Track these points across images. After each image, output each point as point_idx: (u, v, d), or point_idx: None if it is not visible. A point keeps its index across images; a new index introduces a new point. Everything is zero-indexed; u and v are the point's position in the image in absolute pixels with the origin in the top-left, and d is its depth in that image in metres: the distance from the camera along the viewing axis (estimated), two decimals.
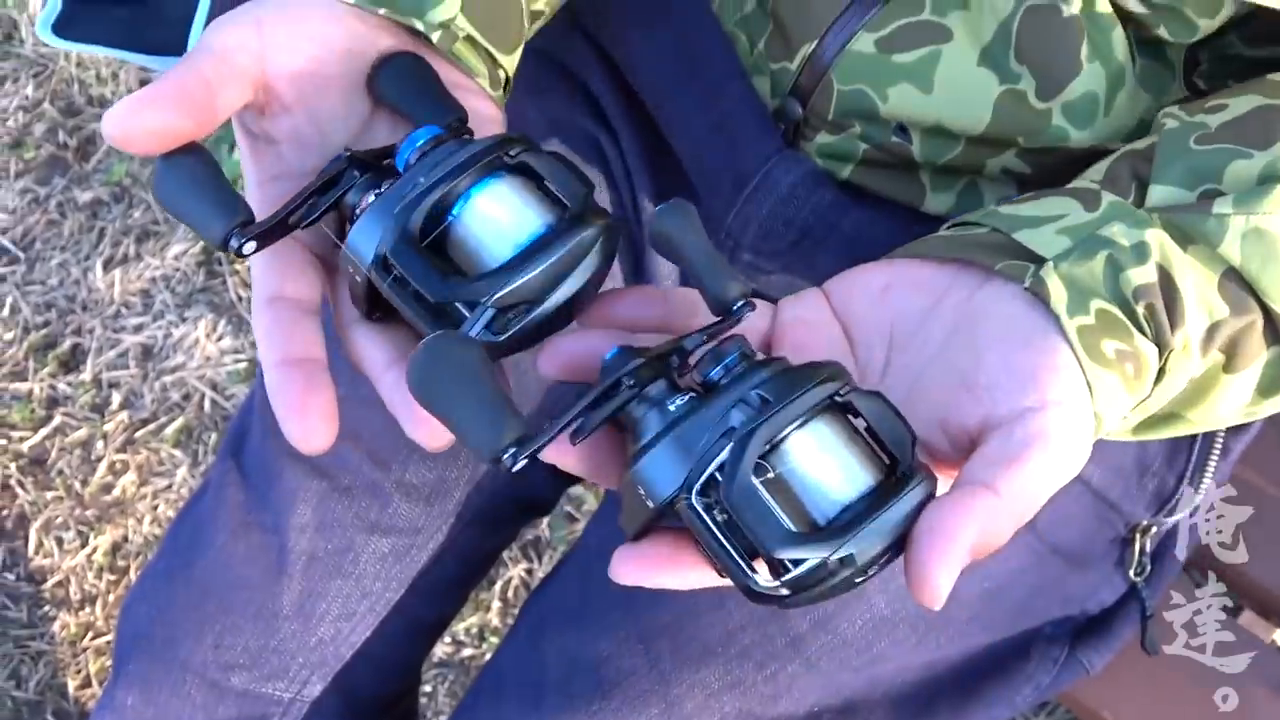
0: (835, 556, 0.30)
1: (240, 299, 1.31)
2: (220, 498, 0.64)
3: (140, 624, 0.64)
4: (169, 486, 1.24)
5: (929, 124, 0.51)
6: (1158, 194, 0.40)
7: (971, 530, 0.32)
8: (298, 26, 0.39)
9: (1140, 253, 0.37)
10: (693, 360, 0.35)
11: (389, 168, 0.38)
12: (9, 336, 1.32)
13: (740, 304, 0.35)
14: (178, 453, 1.25)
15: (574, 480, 0.71)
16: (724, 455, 0.30)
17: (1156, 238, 0.38)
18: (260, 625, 0.62)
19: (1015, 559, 0.55)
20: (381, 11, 0.40)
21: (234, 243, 0.36)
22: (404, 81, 0.41)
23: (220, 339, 1.30)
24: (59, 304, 1.33)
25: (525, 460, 0.32)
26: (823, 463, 0.32)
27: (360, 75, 0.40)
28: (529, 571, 1.18)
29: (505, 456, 0.32)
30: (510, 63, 0.46)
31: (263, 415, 0.65)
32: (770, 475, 0.31)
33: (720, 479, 0.30)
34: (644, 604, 0.56)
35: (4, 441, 1.27)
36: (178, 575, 0.64)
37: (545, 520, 1.18)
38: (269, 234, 0.37)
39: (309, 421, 0.37)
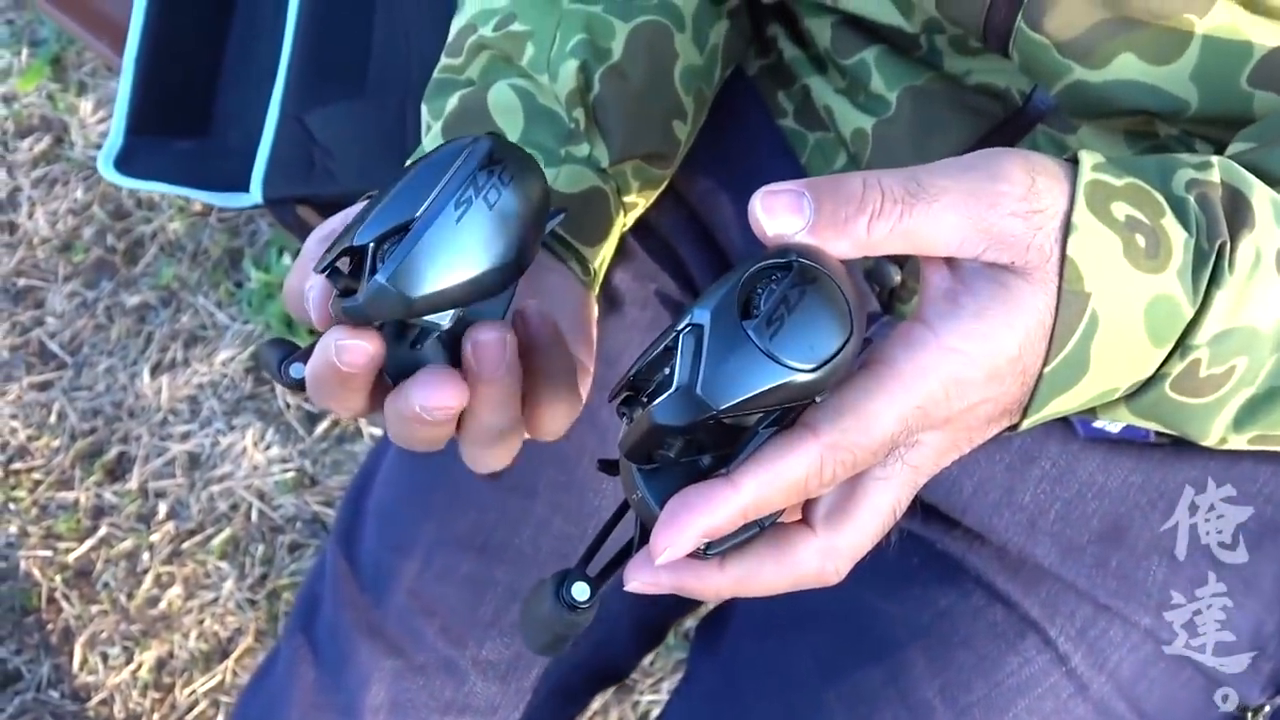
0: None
1: (289, 406, 1.31)
2: (292, 674, 0.64)
3: None
4: (215, 600, 1.24)
5: None
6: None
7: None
8: None
9: (1202, 163, 0.35)
10: None
11: None
12: (56, 444, 1.33)
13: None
14: (224, 565, 1.25)
15: (654, 646, 0.70)
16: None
17: (1221, 161, 0.36)
18: None
19: None
20: None
21: (285, 370, 0.40)
22: None
23: (268, 447, 1.30)
24: (106, 411, 1.34)
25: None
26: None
27: None
28: None
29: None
30: (598, 254, 0.47)
31: (334, 587, 0.65)
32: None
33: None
34: None
35: (50, 553, 1.28)
36: None
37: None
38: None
39: None
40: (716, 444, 0.33)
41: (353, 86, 0.89)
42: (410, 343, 0.38)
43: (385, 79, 0.91)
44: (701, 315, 0.32)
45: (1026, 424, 0.35)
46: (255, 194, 0.85)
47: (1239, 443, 0.37)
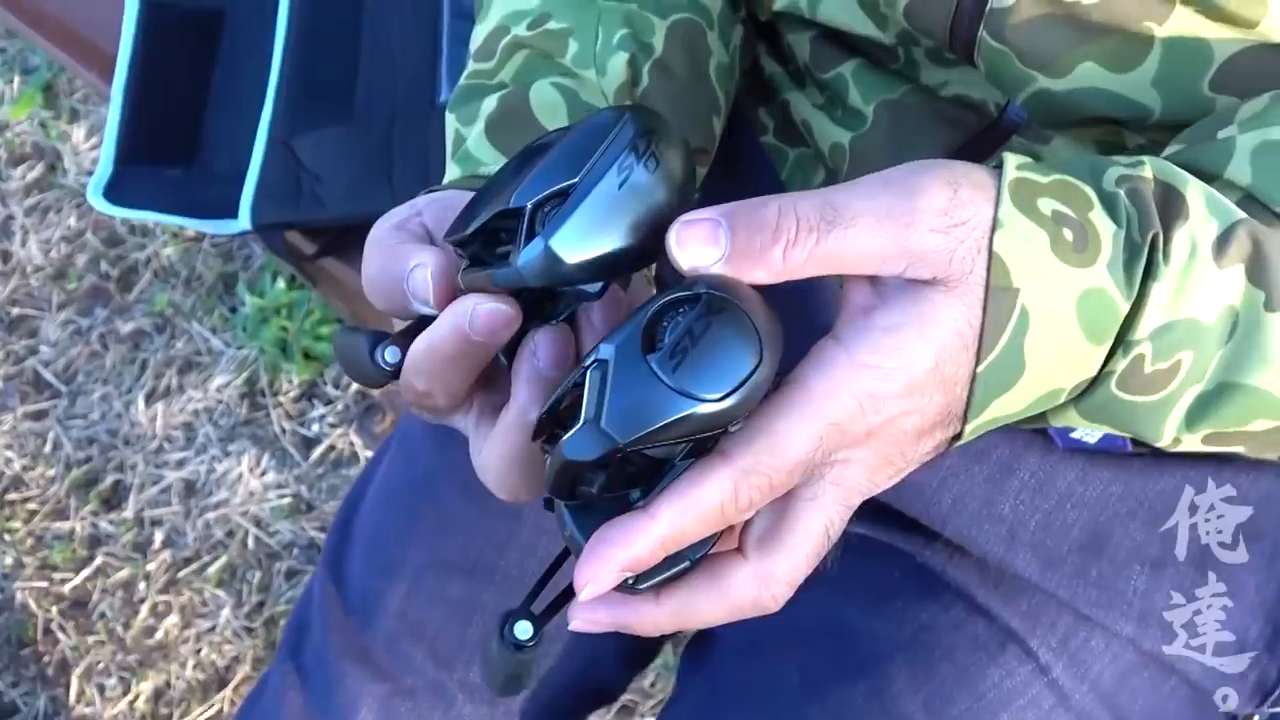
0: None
1: (284, 431, 1.33)
2: (280, 701, 0.65)
3: None
4: (212, 629, 1.25)
5: None
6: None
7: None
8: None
9: (1134, 161, 0.36)
10: None
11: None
12: (50, 474, 1.35)
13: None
14: (221, 593, 1.26)
15: (644, 665, 0.71)
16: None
17: (1153, 159, 0.36)
18: None
19: None
20: None
21: (379, 355, 0.39)
22: None
23: (264, 474, 1.31)
24: (101, 439, 1.36)
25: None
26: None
27: None
28: None
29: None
30: None
31: (323, 612, 0.66)
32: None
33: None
34: None
35: (45, 584, 1.29)
36: None
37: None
38: (413, 336, 0.39)
39: None
40: (645, 478, 0.34)
41: (340, 111, 0.90)
42: (545, 316, 0.38)
43: (372, 103, 0.92)
44: (607, 350, 0.32)
45: (970, 430, 0.35)
46: (244, 220, 0.86)
47: (1193, 443, 0.37)
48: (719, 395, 0.31)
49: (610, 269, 0.36)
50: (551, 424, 0.34)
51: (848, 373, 0.33)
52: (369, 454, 1.30)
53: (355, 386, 1.34)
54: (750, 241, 0.33)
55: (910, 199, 0.33)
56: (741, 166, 0.63)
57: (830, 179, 0.57)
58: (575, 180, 0.35)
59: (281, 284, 1.37)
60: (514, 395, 0.38)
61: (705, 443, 0.33)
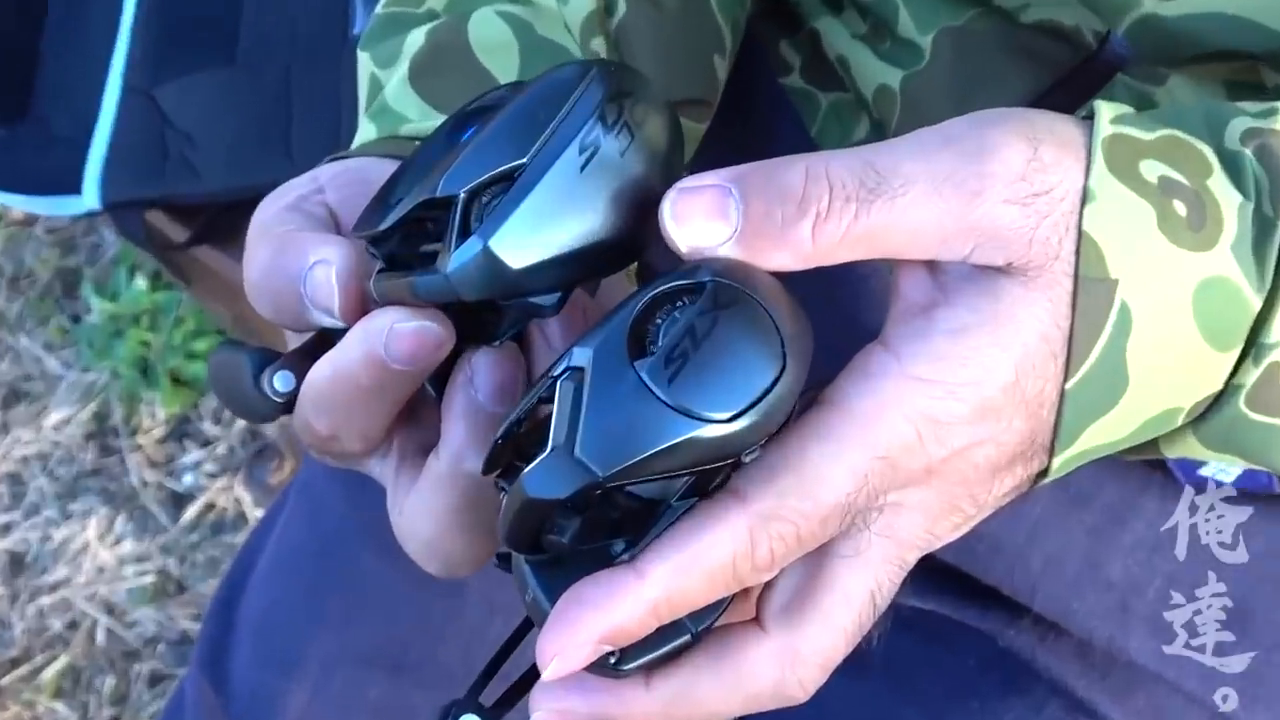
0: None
1: (145, 484, 1.33)
2: None
3: None
4: None
5: None
6: None
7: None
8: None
9: (1266, 110, 0.36)
10: None
11: None
12: None
13: None
14: (60, 706, 1.26)
15: None
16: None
17: None
18: None
19: None
20: None
21: (266, 381, 0.40)
22: None
23: (118, 542, 1.32)
24: None
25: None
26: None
27: None
28: None
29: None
30: None
31: (258, 638, 0.67)
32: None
33: None
34: None
35: None
36: None
37: None
38: (311, 358, 0.40)
39: None
40: (632, 524, 0.34)
41: (218, 50, 0.91)
42: (486, 335, 0.39)
43: (262, 38, 0.93)
44: (582, 356, 0.32)
45: (1060, 464, 0.35)
46: (90, 197, 0.87)
47: None
48: (729, 414, 0.32)
49: (569, 275, 0.36)
50: (509, 452, 0.35)
51: (901, 389, 0.33)
52: (260, 514, 1.30)
53: (242, 422, 1.34)
54: (769, 214, 0.33)
55: (977, 160, 0.34)
56: (756, 119, 0.64)
57: (876, 134, 0.58)
58: (524, 160, 0.35)
59: (142, 283, 1.38)
60: (445, 436, 0.38)
61: (711, 478, 0.33)
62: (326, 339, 0.39)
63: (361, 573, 0.64)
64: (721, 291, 0.33)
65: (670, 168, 0.37)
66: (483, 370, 0.38)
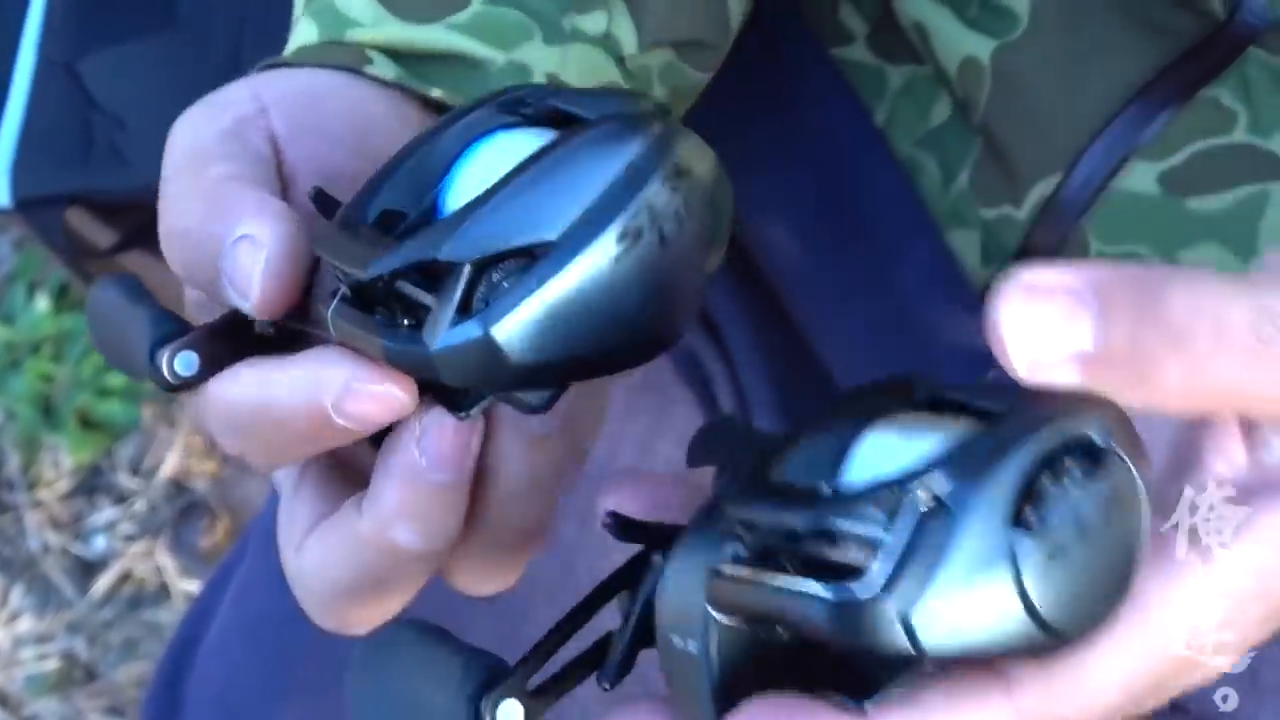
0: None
1: (47, 549, 1.34)
2: None
3: None
4: None
5: None
6: None
7: None
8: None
9: None
10: None
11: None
12: None
13: None
14: None
15: None
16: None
17: None
18: None
19: None
20: (435, 93, 0.46)
21: (165, 359, 0.40)
22: None
23: (13, 619, 1.32)
24: None
25: None
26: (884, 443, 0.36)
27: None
28: None
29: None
30: None
31: (217, 713, 0.68)
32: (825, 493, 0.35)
33: None
34: None
35: None
36: None
37: None
38: (223, 340, 0.41)
39: None
40: (868, 669, 0.35)
41: (155, 15, 0.92)
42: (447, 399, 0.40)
43: (206, 4, 0.94)
44: (957, 495, 0.32)
45: None
46: None
47: None
48: (1073, 628, 0.33)
49: (576, 377, 0.37)
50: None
51: (1202, 586, 0.35)
52: (188, 587, 1.31)
53: (165, 473, 1.35)
54: (1135, 343, 0.33)
55: None
56: (804, 102, 0.64)
57: (958, 116, 0.60)
58: (551, 239, 0.36)
59: (43, 304, 1.39)
60: (376, 495, 0.39)
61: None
62: (242, 324, 0.40)
63: (332, 641, 0.65)
64: (1116, 470, 0.33)
65: (718, 253, 0.38)
66: (435, 436, 0.39)
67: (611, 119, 0.38)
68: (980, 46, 0.57)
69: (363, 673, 0.39)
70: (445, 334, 0.36)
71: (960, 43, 0.57)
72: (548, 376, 0.37)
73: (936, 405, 0.36)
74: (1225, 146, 0.54)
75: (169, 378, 0.40)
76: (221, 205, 0.40)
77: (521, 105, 0.41)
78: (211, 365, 0.41)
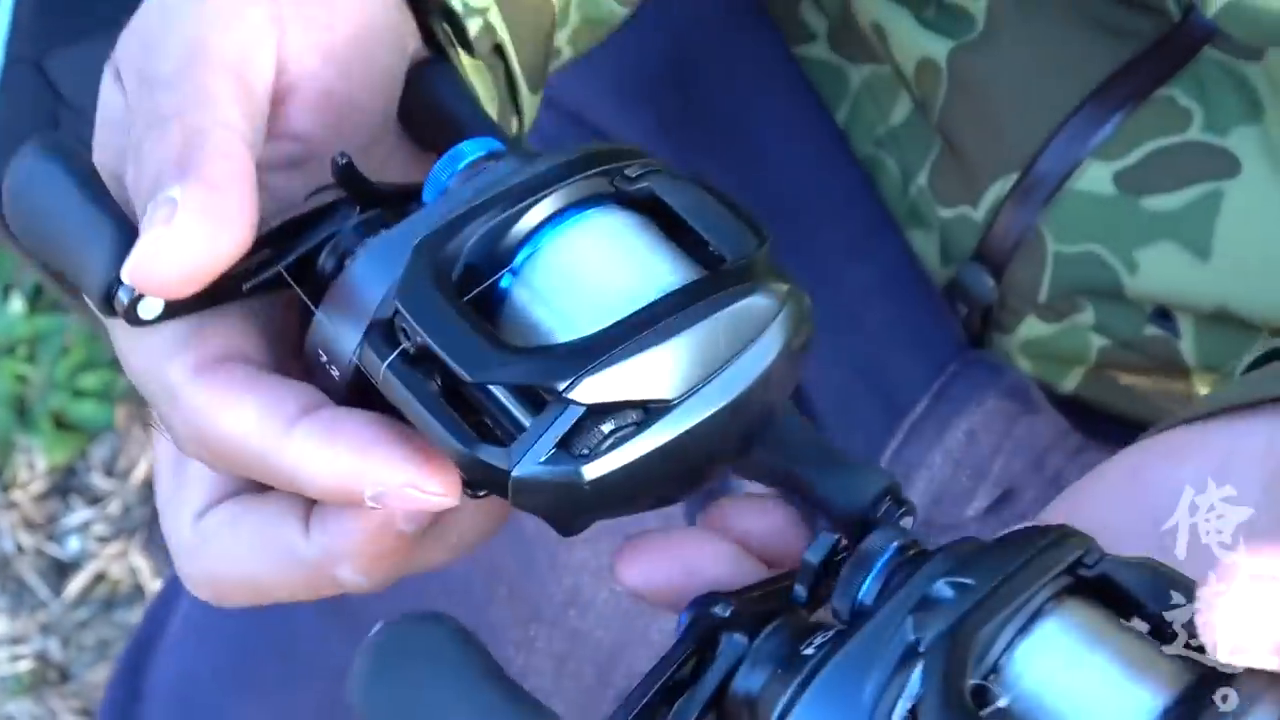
0: None
1: (21, 550, 1.34)
2: None
3: None
4: None
5: (1207, 308, 0.55)
6: None
7: None
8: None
9: None
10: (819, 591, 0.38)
11: (411, 208, 0.40)
12: None
13: (884, 503, 0.38)
14: None
15: None
16: (915, 686, 0.33)
17: None
18: None
19: None
20: None
21: (123, 295, 0.37)
22: (454, 89, 0.45)
23: None
24: None
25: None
26: (1082, 679, 0.35)
27: (389, 91, 0.44)
28: None
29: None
30: (532, 106, 0.50)
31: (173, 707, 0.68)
32: (999, 705, 0.34)
33: None
34: None
35: None
36: None
37: None
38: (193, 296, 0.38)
39: None
40: None
41: (125, 9, 0.92)
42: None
43: None
44: None
45: None
46: None
47: None
48: None
49: (631, 511, 0.38)
50: None
51: None
52: (160, 585, 1.31)
53: (139, 474, 1.35)
54: None
55: None
56: (764, 101, 0.65)
57: (916, 116, 0.60)
58: (669, 398, 0.36)
59: (18, 305, 1.38)
60: (328, 528, 0.38)
61: None
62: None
63: (298, 633, 0.65)
64: None
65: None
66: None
67: (743, 275, 0.38)
68: (937, 47, 0.57)
69: (378, 682, 0.37)
70: (536, 464, 0.35)
71: (917, 43, 0.58)
72: (611, 511, 0.38)
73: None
74: (1180, 145, 0.55)
75: (123, 314, 0.37)
76: (178, 144, 0.38)
77: (620, 175, 0.40)
78: (178, 308, 0.38)
